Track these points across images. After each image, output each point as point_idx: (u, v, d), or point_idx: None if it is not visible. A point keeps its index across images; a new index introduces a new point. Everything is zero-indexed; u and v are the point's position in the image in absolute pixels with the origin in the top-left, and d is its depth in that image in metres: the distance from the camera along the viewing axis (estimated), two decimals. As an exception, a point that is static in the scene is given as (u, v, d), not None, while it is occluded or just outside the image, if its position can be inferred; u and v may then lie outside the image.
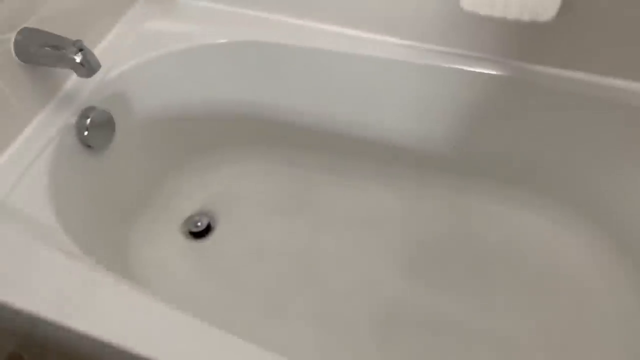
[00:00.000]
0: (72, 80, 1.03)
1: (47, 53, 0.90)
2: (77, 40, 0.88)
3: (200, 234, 1.21)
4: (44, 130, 0.96)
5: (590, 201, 1.12)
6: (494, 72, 1.03)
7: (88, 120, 1.00)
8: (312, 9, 1.09)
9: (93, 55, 0.89)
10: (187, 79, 1.13)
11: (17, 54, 0.90)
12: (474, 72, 1.05)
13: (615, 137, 1.03)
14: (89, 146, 1.02)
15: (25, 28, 0.91)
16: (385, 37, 1.09)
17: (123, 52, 1.07)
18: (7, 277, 0.79)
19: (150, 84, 1.10)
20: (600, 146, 1.06)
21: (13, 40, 0.89)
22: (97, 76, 1.03)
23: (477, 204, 1.21)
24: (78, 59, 0.88)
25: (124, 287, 0.78)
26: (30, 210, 0.87)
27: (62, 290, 0.77)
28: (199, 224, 1.21)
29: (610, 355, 1.02)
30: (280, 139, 1.25)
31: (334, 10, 1.09)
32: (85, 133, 1.01)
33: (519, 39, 0.97)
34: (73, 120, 0.99)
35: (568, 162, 1.11)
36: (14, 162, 0.92)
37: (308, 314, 1.08)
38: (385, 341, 1.05)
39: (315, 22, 1.11)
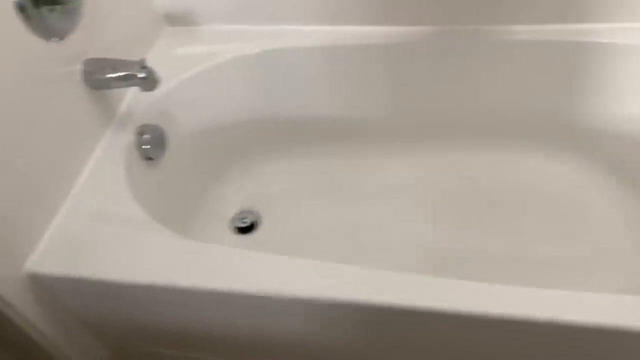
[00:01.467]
0: (126, 102, 1.17)
1: (112, 76, 1.04)
2: (141, 59, 1.03)
3: (247, 230, 1.34)
4: (111, 148, 1.09)
5: (567, 132, 1.34)
6: (465, 39, 1.25)
7: (145, 137, 1.14)
8: (311, 14, 1.28)
9: (154, 71, 1.04)
10: (219, 92, 1.28)
11: (86, 81, 1.04)
12: (449, 42, 1.26)
13: (568, 72, 1.25)
14: (149, 158, 1.15)
15: (88, 59, 1.05)
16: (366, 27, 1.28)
17: (162, 75, 1.21)
18: (122, 260, 0.91)
19: (190, 100, 1.25)
20: (574, 87, 1.28)
21: (81, 70, 1.03)
22: (145, 97, 1.17)
23: (481, 158, 1.39)
24: (143, 75, 1.03)
25: (226, 247, 0.91)
26: (123, 210, 0.99)
27: (176, 259, 0.90)
28: (245, 219, 1.35)
29: (625, 254, 1.21)
30: (302, 135, 1.42)
31: (327, 11, 1.27)
32: (144, 147, 1.14)
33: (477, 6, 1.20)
34: (132, 137, 1.13)
35: (550, 107, 1.32)
36: (95, 177, 1.04)
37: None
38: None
39: (318, 26, 1.29)
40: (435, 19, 1.25)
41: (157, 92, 1.19)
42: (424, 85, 1.33)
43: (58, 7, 0.96)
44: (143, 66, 1.03)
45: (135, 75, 1.03)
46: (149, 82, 1.04)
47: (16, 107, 0.89)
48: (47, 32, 0.95)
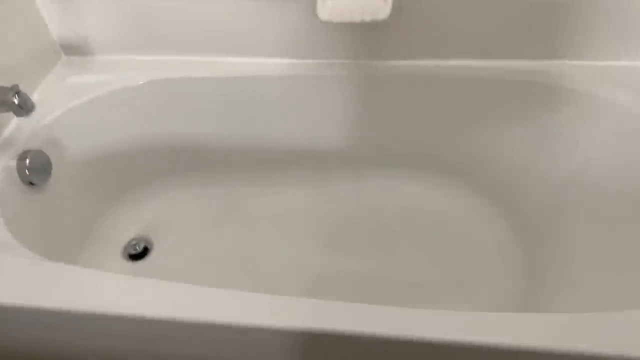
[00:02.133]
0: (8, 129, 1.18)
1: (-16, 102, 1.06)
2: (14, 85, 1.05)
3: (139, 256, 1.35)
4: (-12, 173, 1.10)
5: (458, 166, 1.40)
6: (354, 73, 1.30)
7: (27, 161, 1.15)
8: (207, 46, 1.32)
9: (28, 97, 1.06)
10: (110, 121, 1.31)
11: (-42, 108, 1.06)
12: (339, 75, 1.31)
13: (464, 107, 1.32)
14: (31, 184, 1.16)
15: (-39, 87, 1.06)
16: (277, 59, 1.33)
17: (52, 102, 1.24)
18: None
19: (79, 128, 1.27)
20: (452, 119, 1.34)
21: (-46, 96, 1.05)
22: (31, 124, 1.19)
23: (371, 186, 1.45)
24: (16, 100, 1.04)
25: (90, 270, 0.92)
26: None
27: (31, 281, 0.90)
28: (136, 247, 1.35)
29: (497, 276, 1.25)
30: (200, 163, 1.45)
31: (223, 43, 1.32)
32: (26, 172, 1.15)
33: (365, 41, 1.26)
34: (13, 162, 1.14)
35: (433, 138, 1.38)
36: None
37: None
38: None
39: (212, 57, 1.34)
40: (335, 54, 1.31)
41: (44, 119, 1.22)
42: (315, 117, 1.38)
43: None
44: (16, 92, 1.05)
45: (9, 101, 1.04)
46: (23, 108, 1.05)
47: None
48: None
